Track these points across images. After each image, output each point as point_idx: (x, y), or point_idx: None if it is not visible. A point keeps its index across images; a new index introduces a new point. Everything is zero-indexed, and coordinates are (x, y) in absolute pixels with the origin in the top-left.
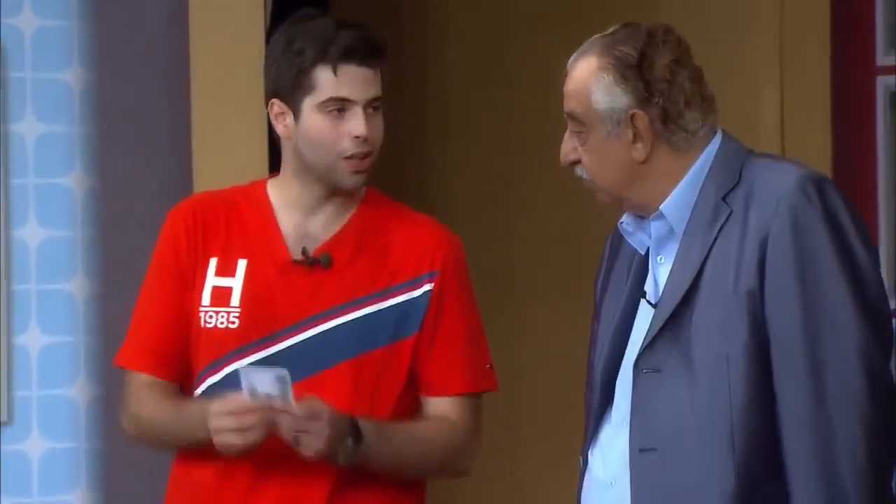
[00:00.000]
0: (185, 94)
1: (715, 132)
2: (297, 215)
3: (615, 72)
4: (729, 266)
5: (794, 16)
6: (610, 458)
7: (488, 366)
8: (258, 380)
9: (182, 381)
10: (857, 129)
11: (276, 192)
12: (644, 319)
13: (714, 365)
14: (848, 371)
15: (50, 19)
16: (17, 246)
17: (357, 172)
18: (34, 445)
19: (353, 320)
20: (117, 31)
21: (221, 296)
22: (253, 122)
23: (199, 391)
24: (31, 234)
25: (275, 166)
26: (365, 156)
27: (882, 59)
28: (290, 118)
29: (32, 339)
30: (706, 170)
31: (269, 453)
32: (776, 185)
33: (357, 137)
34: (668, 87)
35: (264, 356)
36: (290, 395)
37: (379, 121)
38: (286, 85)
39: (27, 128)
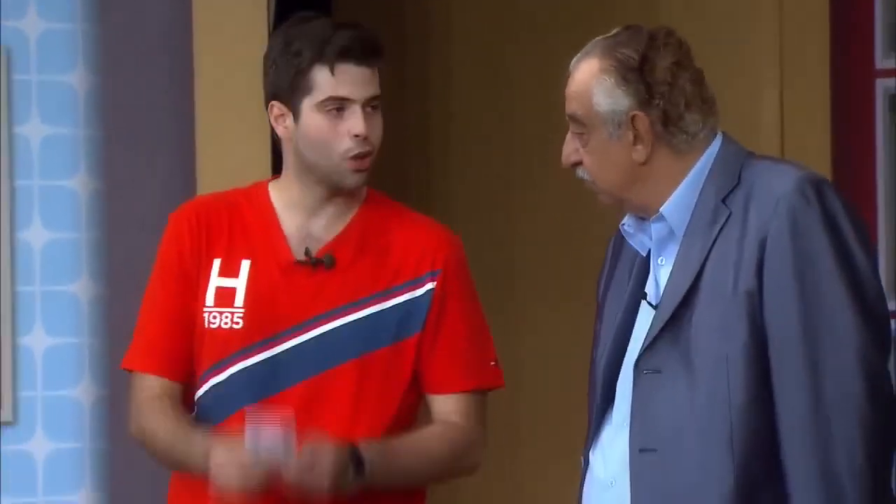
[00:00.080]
0: (189, 96)
1: (715, 134)
2: (300, 216)
3: (616, 74)
4: (728, 267)
5: (793, 17)
6: (610, 458)
7: (493, 362)
8: (264, 435)
9: (188, 381)
10: (857, 131)
11: (277, 194)
12: (645, 320)
13: (713, 366)
14: (846, 372)
15: (54, 22)
16: (21, 247)
17: (358, 171)
18: (39, 446)
19: (356, 320)
20: (121, 33)
21: (225, 296)
22: (256, 123)
23: (202, 391)
24: (35, 235)
25: (277, 168)
26: (365, 155)
27: (881, 62)
28: (289, 119)
29: (37, 340)
30: (706, 172)
31: None
32: (775, 187)
33: (356, 136)
34: (668, 90)
35: (268, 356)
36: (294, 450)
37: (378, 120)
38: (285, 86)
39: (32, 130)
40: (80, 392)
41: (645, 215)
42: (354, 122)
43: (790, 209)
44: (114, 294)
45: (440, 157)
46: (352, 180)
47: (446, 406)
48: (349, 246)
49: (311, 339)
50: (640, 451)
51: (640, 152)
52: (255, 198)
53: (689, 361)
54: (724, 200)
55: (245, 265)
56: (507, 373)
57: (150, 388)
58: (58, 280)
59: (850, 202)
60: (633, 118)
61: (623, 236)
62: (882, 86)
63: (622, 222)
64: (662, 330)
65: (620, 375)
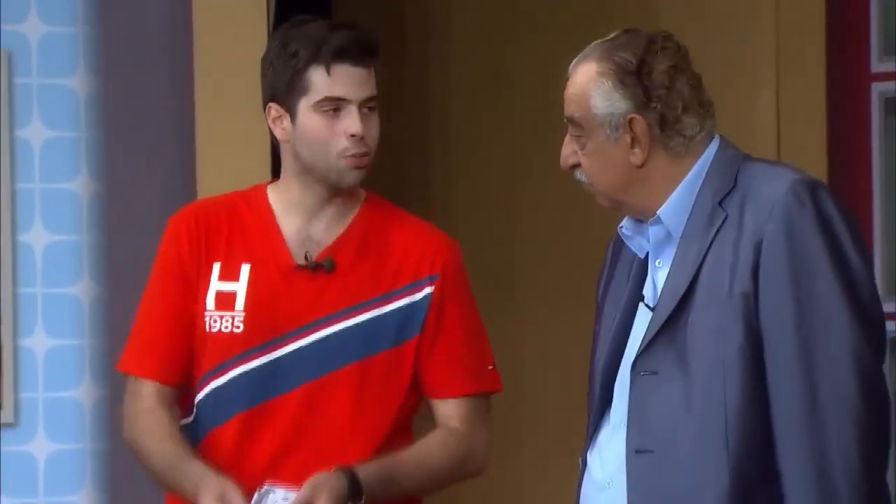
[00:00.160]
0: (189, 99)
1: (712, 137)
2: (299, 219)
3: (614, 77)
4: (724, 270)
5: (790, 20)
6: (607, 459)
7: (490, 367)
8: (270, 499)
9: (183, 385)
10: (853, 133)
11: (276, 197)
12: (642, 322)
13: (709, 367)
14: (841, 374)
15: (55, 26)
16: (23, 250)
17: (356, 169)
18: (40, 447)
19: (356, 324)
20: (122, 36)
21: (226, 300)
22: (256, 126)
23: (202, 394)
24: (36, 237)
25: (277, 171)
26: (362, 154)
27: (877, 65)
28: (287, 121)
29: (38, 342)
30: (703, 175)
31: (271, 459)
32: (770, 190)
33: (353, 136)
34: (666, 93)
35: (268, 360)
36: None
37: (375, 121)
38: (282, 88)
39: (33, 133)
40: (81, 393)
41: (643, 218)
42: (351, 122)
43: (785, 212)
44: (114, 295)
45: (440, 158)
46: (350, 178)
47: (447, 410)
48: (349, 249)
49: (312, 343)
50: (637, 452)
51: (637, 155)
52: (254, 201)
53: (685, 363)
54: (720, 203)
55: (245, 269)
56: (507, 373)
57: (147, 395)
58: (59, 282)
59: (845, 204)
60: (630, 121)
61: (621, 239)
62: (878, 89)
63: (620, 225)
64: (659, 332)
65: (618, 377)
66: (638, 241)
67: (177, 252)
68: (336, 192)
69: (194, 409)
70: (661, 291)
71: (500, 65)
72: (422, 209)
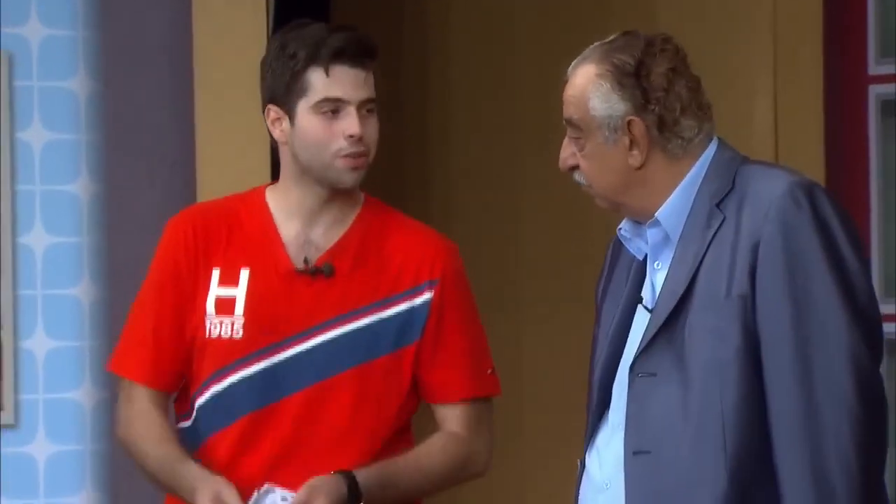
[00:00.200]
0: (189, 101)
1: (711, 139)
2: (298, 223)
3: (613, 79)
4: (722, 272)
5: (787, 23)
6: (605, 460)
7: (490, 371)
8: (269, 499)
9: (177, 388)
10: (850, 136)
11: (275, 200)
12: (641, 324)
13: (707, 369)
14: (838, 374)
15: (56, 29)
16: (23, 252)
17: (353, 169)
18: (40, 448)
19: (356, 329)
20: (122, 39)
21: (225, 305)
22: (256, 129)
23: (202, 399)
24: (37, 239)
25: (277, 173)
26: (359, 155)
27: (874, 68)
28: (285, 122)
29: (38, 343)
30: (701, 177)
31: (271, 463)
32: (768, 192)
33: (351, 136)
34: (664, 95)
35: (268, 365)
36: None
37: (374, 123)
38: (281, 89)
39: (34, 135)
40: (81, 395)
41: (641, 220)
42: (349, 122)
43: (782, 213)
44: (115, 297)
45: (439, 158)
46: (347, 178)
47: (447, 415)
48: (348, 253)
49: (312, 347)
50: (635, 453)
51: (635, 157)
52: (253, 204)
53: (683, 365)
54: (718, 205)
55: (244, 274)
56: (507, 374)
57: (140, 399)
58: (59, 283)
59: (842, 206)
60: (629, 123)
61: (620, 241)
62: (875, 92)
63: (619, 227)
64: (657, 333)
65: (616, 378)
66: (636, 243)
67: (173, 257)
68: (335, 194)
69: (194, 413)
70: (660, 293)
71: (499, 66)
72: (421, 209)
